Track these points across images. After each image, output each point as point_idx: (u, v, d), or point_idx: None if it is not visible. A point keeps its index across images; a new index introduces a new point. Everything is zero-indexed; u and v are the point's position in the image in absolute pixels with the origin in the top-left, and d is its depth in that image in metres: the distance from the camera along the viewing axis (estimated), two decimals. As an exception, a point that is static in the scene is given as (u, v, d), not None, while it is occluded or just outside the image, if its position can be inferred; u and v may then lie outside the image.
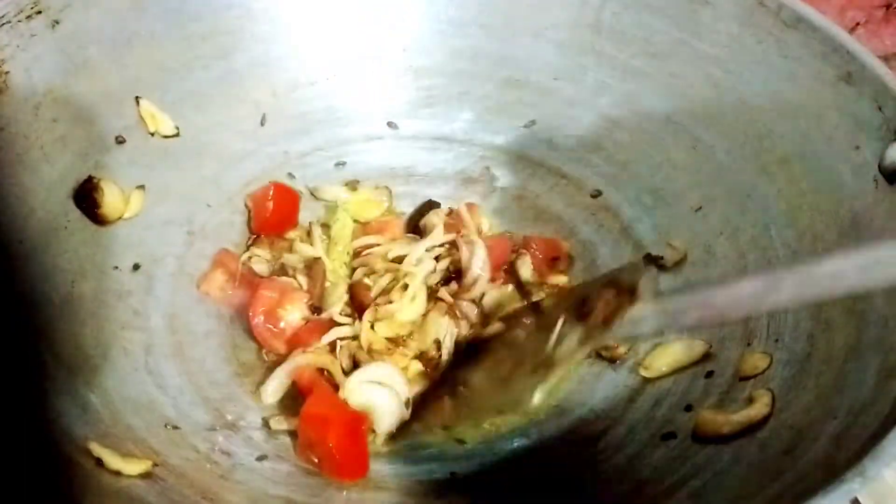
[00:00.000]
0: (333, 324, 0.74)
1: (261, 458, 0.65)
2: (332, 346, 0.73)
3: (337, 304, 0.76)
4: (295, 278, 0.78)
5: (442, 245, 0.81)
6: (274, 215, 0.82)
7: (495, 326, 0.73)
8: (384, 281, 0.77)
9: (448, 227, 0.83)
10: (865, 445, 0.41)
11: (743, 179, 0.74)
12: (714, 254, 0.75)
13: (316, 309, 0.76)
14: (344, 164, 0.89)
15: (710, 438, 0.59)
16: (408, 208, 0.88)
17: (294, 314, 0.74)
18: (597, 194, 0.85)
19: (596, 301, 0.64)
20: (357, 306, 0.76)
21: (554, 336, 0.65)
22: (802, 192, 0.68)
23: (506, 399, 0.65)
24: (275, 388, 0.69)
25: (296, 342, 0.73)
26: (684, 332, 0.69)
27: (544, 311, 0.72)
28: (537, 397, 0.63)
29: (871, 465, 0.41)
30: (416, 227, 0.85)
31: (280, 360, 0.72)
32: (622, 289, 0.64)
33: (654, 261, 0.79)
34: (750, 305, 0.49)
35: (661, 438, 0.63)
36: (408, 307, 0.75)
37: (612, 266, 0.82)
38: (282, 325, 0.73)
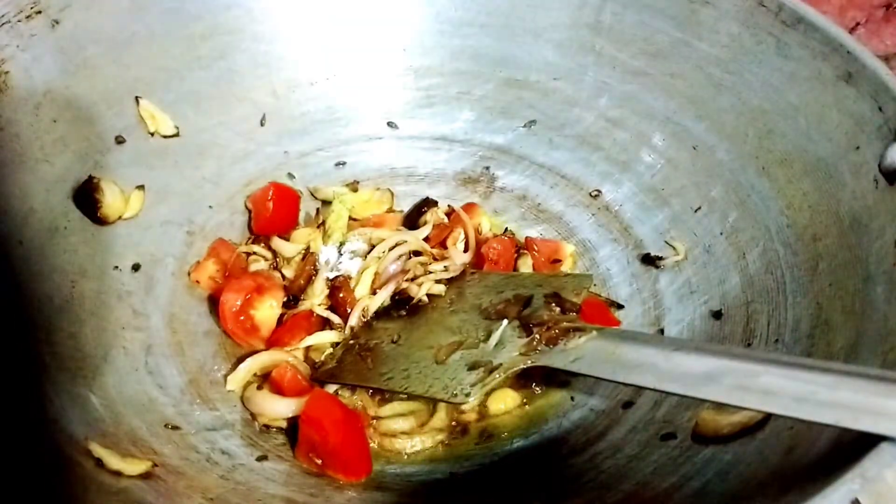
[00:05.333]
0: (311, 314, 0.76)
1: (261, 458, 0.65)
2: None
3: (317, 297, 0.77)
4: (280, 269, 0.79)
5: (426, 239, 0.83)
6: (274, 216, 0.82)
7: (436, 288, 0.76)
8: (368, 276, 0.78)
9: (444, 227, 0.84)
10: (865, 445, 0.41)
11: (743, 179, 0.74)
12: (714, 254, 0.75)
13: (293, 298, 0.77)
14: (344, 164, 0.89)
15: (710, 439, 0.59)
16: (407, 208, 0.88)
17: (266, 311, 0.74)
18: (597, 194, 0.85)
19: (541, 312, 0.65)
20: (336, 300, 0.77)
21: (496, 336, 0.65)
22: (802, 192, 0.68)
23: (436, 378, 0.65)
24: (239, 377, 0.70)
25: (275, 342, 0.74)
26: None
27: (492, 286, 0.74)
28: (474, 397, 0.63)
29: (871, 465, 0.41)
30: (413, 224, 0.86)
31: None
32: (565, 306, 0.65)
33: (653, 261, 0.79)
34: (683, 387, 0.51)
35: (660, 439, 0.63)
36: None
37: (612, 266, 0.82)
38: (255, 322, 0.74)
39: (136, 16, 0.76)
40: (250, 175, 0.85)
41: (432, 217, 0.85)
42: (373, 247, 0.81)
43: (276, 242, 0.81)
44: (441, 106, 0.90)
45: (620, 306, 0.79)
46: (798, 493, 0.42)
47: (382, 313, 0.76)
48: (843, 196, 0.63)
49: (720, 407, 0.60)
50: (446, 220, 0.86)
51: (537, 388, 0.73)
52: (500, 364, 0.63)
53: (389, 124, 0.91)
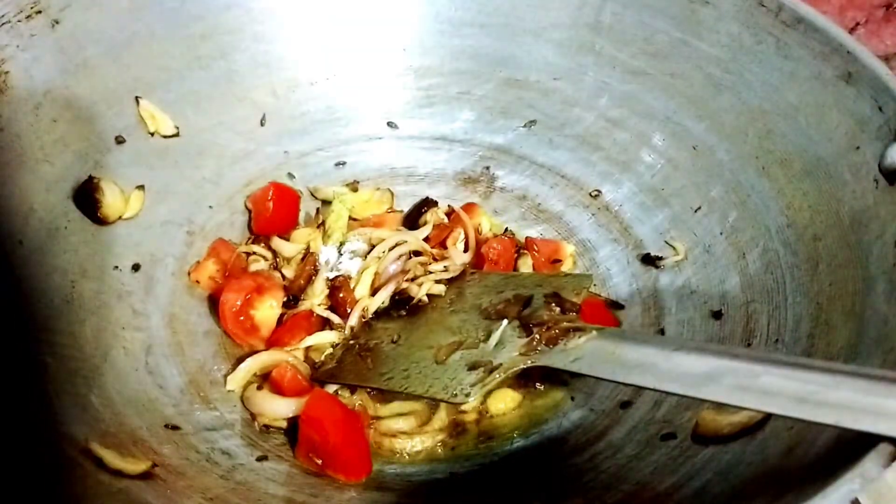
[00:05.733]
0: (311, 314, 0.76)
1: (261, 459, 0.65)
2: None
3: (317, 297, 0.77)
4: (280, 269, 0.79)
5: (426, 239, 0.83)
6: (274, 216, 0.82)
7: (435, 288, 0.76)
8: (368, 276, 0.78)
9: (444, 228, 0.84)
10: (865, 445, 0.41)
11: (743, 179, 0.74)
12: (714, 254, 0.75)
13: (294, 298, 0.77)
14: (344, 164, 0.89)
15: (710, 439, 0.59)
16: (407, 208, 0.88)
17: (266, 311, 0.74)
18: (597, 194, 0.85)
19: (541, 312, 0.65)
20: (336, 300, 0.77)
21: (496, 336, 0.65)
22: (802, 192, 0.68)
23: (436, 378, 0.65)
24: (239, 377, 0.70)
25: (275, 342, 0.74)
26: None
27: (490, 286, 0.74)
28: (474, 397, 0.63)
29: (871, 465, 0.41)
30: (413, 224, 0.86)
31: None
32: (565, 306, 0.65)
33: (653, 261, 0.79)
34: (683, 387, 0.51)
35: (660, 439, 0.63)
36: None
37: (612, 266, 0.82)
38: (255, 322, 0.74)
39: (136, 16, 0.76)
40: (250, 175, 0.85)
41: (432, 217, 0.85)
42: (373, 247, 0.81)
43: (276, 242, 0.81)
44: (441, 106, 0.90)
45: (620, 306, 0.79)
46: (798, 493, 0.42)
47: (382, 313, 0.76)
48: (843, 196, 0.63)
49: (720, 407, 0.60)
50: (446, 220, 0.86)
51: (538, 388, 0.73)
52: (500, 364, 0.63)
53: (389, 124, 0.91)
